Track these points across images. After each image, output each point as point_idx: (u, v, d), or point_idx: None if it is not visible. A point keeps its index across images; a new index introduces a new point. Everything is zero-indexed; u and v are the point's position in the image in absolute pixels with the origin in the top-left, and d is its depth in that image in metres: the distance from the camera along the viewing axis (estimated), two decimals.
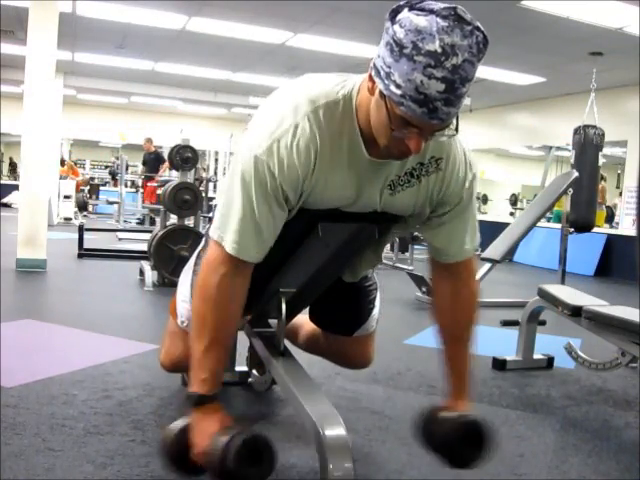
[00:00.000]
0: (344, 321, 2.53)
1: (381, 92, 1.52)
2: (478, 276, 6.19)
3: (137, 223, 14.63)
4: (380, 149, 1.66)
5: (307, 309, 2.66)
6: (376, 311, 2.56)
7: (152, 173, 14.05)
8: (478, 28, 1.46)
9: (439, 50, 1.40)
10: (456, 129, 1.62)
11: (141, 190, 14.82)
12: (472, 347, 2.17)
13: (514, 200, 17.23)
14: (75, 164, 15.20)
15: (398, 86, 1.46)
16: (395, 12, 1.49)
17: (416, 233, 9.39)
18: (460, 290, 2.11)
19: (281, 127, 1.68)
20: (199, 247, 2.47)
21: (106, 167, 22.22)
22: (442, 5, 1.45)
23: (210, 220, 2.52)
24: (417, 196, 1.85)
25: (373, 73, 1.55)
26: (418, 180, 1.81)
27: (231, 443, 1.71)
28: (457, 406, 2.10)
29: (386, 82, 1.49)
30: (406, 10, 1.47)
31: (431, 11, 1.44)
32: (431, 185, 1.84)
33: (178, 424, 1.89)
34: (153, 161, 14.35)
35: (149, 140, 14.47)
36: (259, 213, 1.72)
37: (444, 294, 2.12)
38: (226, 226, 1.77)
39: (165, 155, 11.56)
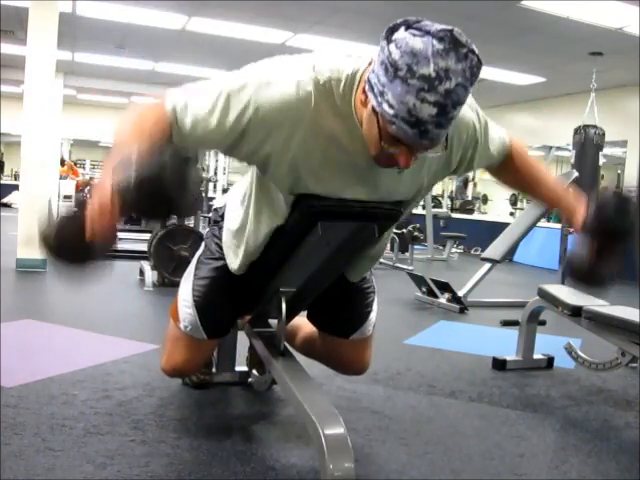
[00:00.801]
0: (342, 322, 2.52)
1: (374, 107, 1.53)
2: (478, 276, 6.21)
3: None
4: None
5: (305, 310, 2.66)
6: (373, 315, 2.55)
7: None
8: (473, 51, 1.46)
9: (433, 75, 1.41)
10: (445, 146, 1.64)
11: None
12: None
13: (514, 200, 17.22)
14: (75, 164, 15.19)
15: (391, 106, 1.47)
16: (391, 31, 1.49)
17: (416, 233, 9.42)
18: (518, 164, 2.14)
19: (283, 75, 1.70)
20: (199, 251, 2.47)
21: None
22: (439, 27, 1.45)
23: (210, 221, 2.52)
24: (420, 169, 1.85)
25: (367, 87, 1.55)
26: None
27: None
28: (580, 212, 2.12)
29: (379, 100, 1.49)
30: (402, 29, 1.47)
31: (427, 32, 1.44)
32: (439, 160, 1.84)
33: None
34: None
35: None
36: (212, 119, 1.70)
37: (511, 176, 2.18)
38: (184, 96, 1.75)
39: None
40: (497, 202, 17.90)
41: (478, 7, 7.34)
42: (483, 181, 17.73)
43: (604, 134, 7.80)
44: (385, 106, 1.48)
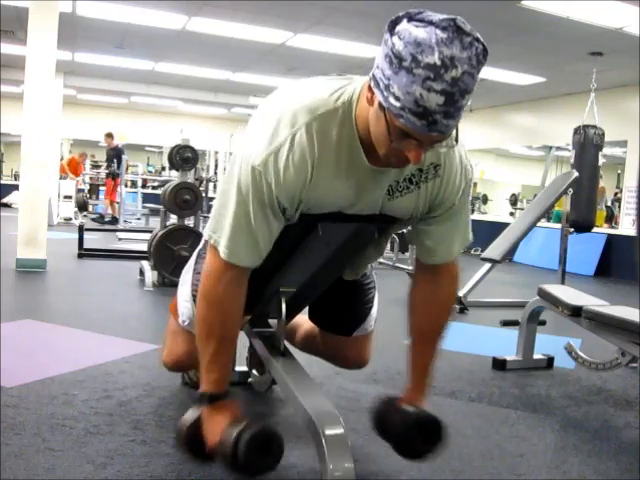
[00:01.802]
0: (343, 321, 2.53)
1: (380, 103, 1.52)
2: (478, 276, 6.20)
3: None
4: (380, 157, 1.66)
5: (306, 309, 2.66)
6: (374, 310, 2.56)
7: (112, 168, 14.25)
8: (478, 39, 1.44)
9: (438, 63, 1.39)
10: (456, 139, 1.62)
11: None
12: (440, 345, 2.16)
13: (514, 200, 17.23)
14: (70, 165, 15.10)
15: (397, 98, 1.45)
16: (394, 23, 1.48)
17: None
18: (440, 292, 2.10)
19: (278, 138, 1.68)
20: (199, 247, 2.47)
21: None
22: (441, 16, 1.44)
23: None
24: (417, 201, 1.86)
25: (372, 84, 1.54)
26: (417, 186, 1.82)
27: (242, 434, 1.81)
28: (415, 400, 2.11)
29: (385, 94, 1.48)
30: (405, 21, 1.46)
31: (430, 22, 1.43)
32: (429, 191, 1.85)
33: (191, 415, 2.03)
34: (112, 157, 14.42)
35: (109, 135, 14.47)
36: (255, 223, 1.75)
37: (423, 294, 2.12)
38: (221, 232, 1.80)
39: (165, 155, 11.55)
40: (497, 202, 17.89)
41: (478, 7, 7.33)
42: (483, 181, 17.72)
43: (604, 134, 7.79)
44: (392, 99, 1.47)
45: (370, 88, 1.56)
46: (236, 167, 1.75)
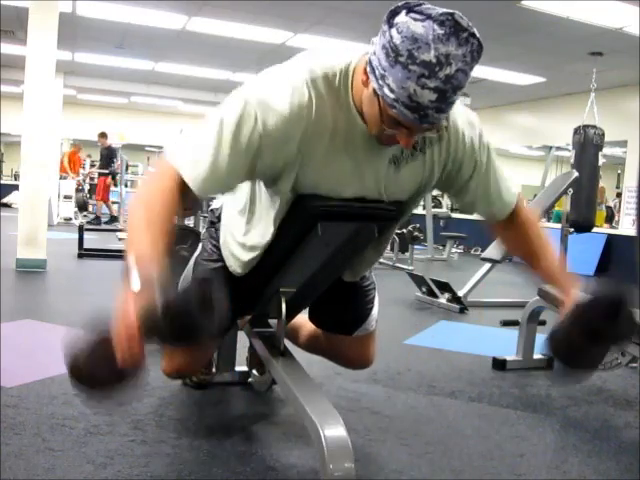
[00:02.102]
0: (344, 321, 2.52)
1: (375, 89, 1.54)
2: (478, 276, 6.20)
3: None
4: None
5: (306, 310, 2.66)
6: (375, 311, 2.55)
7: (104, 168, 14.28)
8: (474, 35, 1.46)
9: (433, 60, 1.41)
10: (446, 128, 1.65)
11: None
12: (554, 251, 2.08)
13: None
14: (70, 161, 15.02)
15: (392, 90, 1.48)
16: (393, 14, 1.49)
17: (416, 233, 9.42)
18: (523, 229, 2.06)
19: (278, 85, 1.68)
20: (196, 253, 2.46)
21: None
22: (440, 10, 1.45)
23: (209, 222, 2.52)
24: (423, 170, 1.86)
25: (368, 69, 1.55)
26: (422, 152, 1.82)
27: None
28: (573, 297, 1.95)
29: (380, 83, 1.50)
30: (404, 13, 1.47)
31: (429, 16, 1.44)
32: (436, 156, 1.85)
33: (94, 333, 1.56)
34: (105, 157, 14.40)
35: (103, 135, 14.44)
36: (222, 154, 1.67)
37: (512, 238, 2.11)
38: (185, 148, 1.72)
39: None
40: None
41: (478, 7, 7.33)
42: None
43: (604, 134, 7.79)
44: (386, 90, 1.49)
45: (365, 71, 1.57)
46: (228, 101, 1.72)
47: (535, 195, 8.91)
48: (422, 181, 1.90)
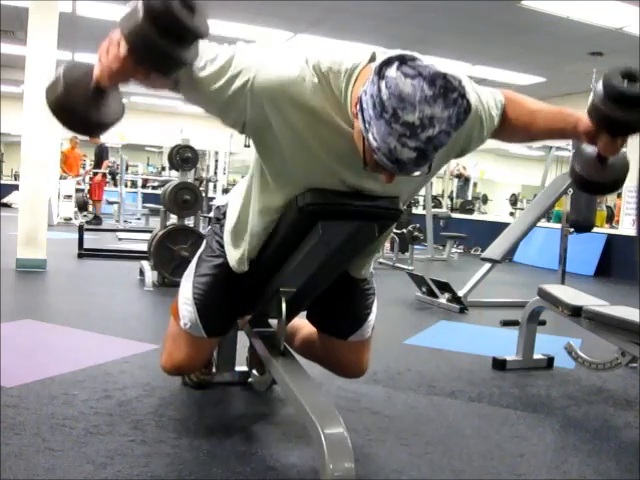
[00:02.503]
0: (340, 323, 2.52)
1: (361, 129, 1.55)
2: (478, 276, 6.20)
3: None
4: None
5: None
6: (372, 317, 2.55)
7: (96, 166, 14.32)
8: (463, 96, 1.46)
9: (417, 122, 1.42)
10: (429, 168, 1.62)
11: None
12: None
13: (514, 200, 17.24)
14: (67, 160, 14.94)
15: (375, 139, 1.49)
16: (385, 64, 1.49)
17: (416, 233, 9.42)
18: (518, 113, 2.03)
19: (290, 56, 1.74)
20: (200, 249, 2.47)
21: (106, 167, 22.17)
22: (432, 70, 1.45)
23: (210, 220, 2.52)
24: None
25: (357, 108, 1.55)
26: None
27: None
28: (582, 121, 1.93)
29: (366, 127, 1.51)
30: (395, 66, 1.47)
31: (419, 74, 1.44)
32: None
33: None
34: (97, 155, 14.38)
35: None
36: (223, 70, 1.72)
37: (514, 127, 2.05)
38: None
39: (165, 155, 11.51)
40: (497, 202, 17.90)
41: (478, 7, 7.34)
42: (483, 181, 17.75)
43: None
44: (370, 136, 1.50)
45: (356, 105, 1.57)
46: (248, 47, 1.77)
47: (535, 195, 8.91)
48: (423, 179, 1.91)
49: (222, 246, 2.32)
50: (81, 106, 1.70)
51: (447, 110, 1.44)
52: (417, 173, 1.61)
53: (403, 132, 1.43)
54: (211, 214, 2.60)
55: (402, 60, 1.47)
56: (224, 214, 2.36)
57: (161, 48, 1.52)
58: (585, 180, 2.09)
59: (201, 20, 1.55)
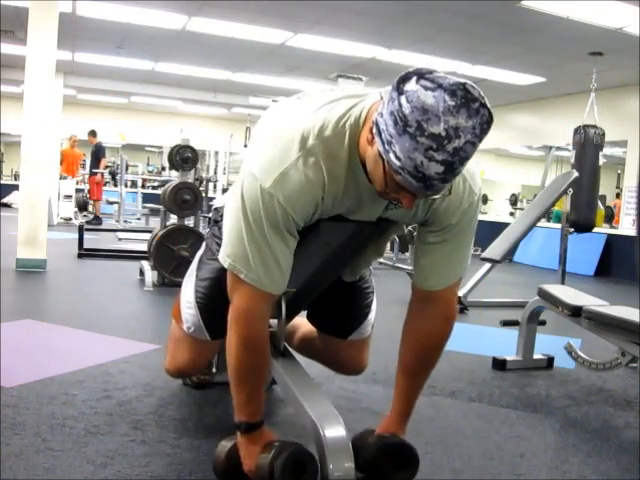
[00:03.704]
0: (340, 322, 2.52)
1: (380, 152, 1.53)
2: (478, 276, 6.20)
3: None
4: None
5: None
6: (372, 316, 2.55)
7: (94, 166, 14.26)
8: (485, 105, 1.45)
9: (443, 133, 1.41)
10: (450, 192, 1.63)
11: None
12: (424, 382, 2.24)
13: (514, 200, 17.22)
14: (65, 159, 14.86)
15: (398, 158, 1.47)
16: (403, 80, 1.47)
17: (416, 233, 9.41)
18: (430, 328, 2.11)
19: (288, 159, 1.69)
20: (200, 251, 2.47)
21: (106, 167, 22.14)
22: (451, 80, 1.45)
23: (210, 221, 2.52)
24: (410, 212, 1.87)
25: (374, 130, 1.54)
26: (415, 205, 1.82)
27: (277, 458, 1.87)
28: (394, 429, 2.17)
29: (386, 148, 1.50)
30: (414, 81, 1.46)
31: (440, 85, 1.43)
32: (427, 205, 1.86)
33: (227, 445, 2.10)
34: (93, 154, 14.36)
35: (92, 133, 14.31)
36: (274, 247, 1.75)
37: (414, 326, 2.15)
38: (247, 264, 1.78)
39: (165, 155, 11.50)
40: (497, 202, 17.88)
41: (478, 7, 7.33)
42: (483, 181, 17.69)
43: (604, 134, 7.79)
44: (392, 156, 1.48)
45: (372, 130, 1.56)
46: (245, 190, 1.75)
47: (535, 195, 8.91)
48: (413, 216, 1.91)
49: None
50: None
51: (471, 120, 1.43)
52: (440, 195, 1.60)
53: (429, 145, 1.42)
54: (210, 214, 2.60)
55: (420, 74, 1.46)
56: (222, 216, 2.36)
57: None
58: None
59: None
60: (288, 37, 9.54)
